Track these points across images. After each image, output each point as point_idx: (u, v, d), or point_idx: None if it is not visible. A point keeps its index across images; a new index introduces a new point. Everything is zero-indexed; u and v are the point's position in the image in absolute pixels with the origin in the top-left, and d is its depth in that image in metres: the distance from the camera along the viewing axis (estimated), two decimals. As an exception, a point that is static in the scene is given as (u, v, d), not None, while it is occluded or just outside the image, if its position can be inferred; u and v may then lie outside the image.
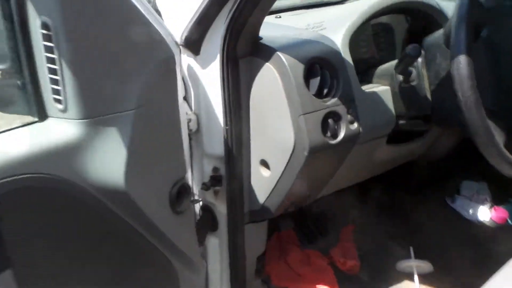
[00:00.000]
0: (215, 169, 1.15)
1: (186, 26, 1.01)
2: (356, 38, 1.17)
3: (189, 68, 1.09)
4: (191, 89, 1.12)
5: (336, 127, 1.00)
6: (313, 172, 1.05)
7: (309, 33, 1.10)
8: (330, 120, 0.99)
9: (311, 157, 0.97)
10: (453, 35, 0.89)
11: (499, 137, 0.93)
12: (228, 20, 0.94)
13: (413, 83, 1.08)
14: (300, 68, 0.96)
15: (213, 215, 1.22)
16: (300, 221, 1.65)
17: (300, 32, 1.09)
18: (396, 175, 1.50)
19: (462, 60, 0.84)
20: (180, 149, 0.93)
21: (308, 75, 0.98)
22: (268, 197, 1.12)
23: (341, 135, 1.00)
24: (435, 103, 1.05)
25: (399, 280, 1.50)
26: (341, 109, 1.00)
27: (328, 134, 0.99)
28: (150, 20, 0.76)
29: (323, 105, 0.98)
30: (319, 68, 0.99)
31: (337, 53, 1.03)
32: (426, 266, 1.48)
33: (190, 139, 1.19)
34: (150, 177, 0.83)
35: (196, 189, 1.22)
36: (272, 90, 0.99)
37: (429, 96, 1.06)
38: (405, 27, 1.32)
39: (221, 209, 1.18)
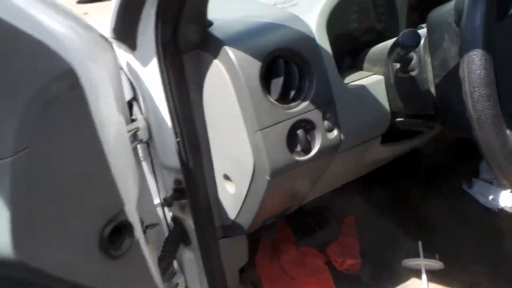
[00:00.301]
0: (177, 181, 0.93)
1: (113, 15, 0.74)
2: (346, 6, 0.85)
3: (129, 66, 0.83)
4: (138, 90, 0.86)
5: (308, 138, 0.73)
6: (284, 191, 0.80)
7: (275, 12, 0.79)
8: (299, 132, 0.71)
9: (275, 180, 0.71)
10: (466, 13, 0.57)
11: None
12: (157, 2, 0.66)
13: (413, 73, 0.76)
14: (255, 66, 0.68)
15: (183, 229, 1.01)
16: (296, 211, 1.41)
17: (264, 12, 0.79)
18: (402, 162, 1.21)
19: (476, 57, 0.52)
20: (110, 179, 0.67)
21: (269, 74, 0.70)
22: (238, 214, 0.89)
23: (315, 148, 0.73)
24: (440, 101, 0.73)
25: (404, 278, 1.28)
26: (315, 115, 0.72)
27: (298, 148, 0.72)
28: (22, 26, 0.49)
29: (288, 113, 0.70)
30: (284, 63, 0.70)
31: (308, 40, 0.73)
32: (436, 264, 1.24)
33: (147, 146, 0.96)
34: (60, 230, 0.59)
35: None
36: (223, 97, 0.72)
37: (433, 90, 0.75)
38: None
39: (190, 223, 0.97)
